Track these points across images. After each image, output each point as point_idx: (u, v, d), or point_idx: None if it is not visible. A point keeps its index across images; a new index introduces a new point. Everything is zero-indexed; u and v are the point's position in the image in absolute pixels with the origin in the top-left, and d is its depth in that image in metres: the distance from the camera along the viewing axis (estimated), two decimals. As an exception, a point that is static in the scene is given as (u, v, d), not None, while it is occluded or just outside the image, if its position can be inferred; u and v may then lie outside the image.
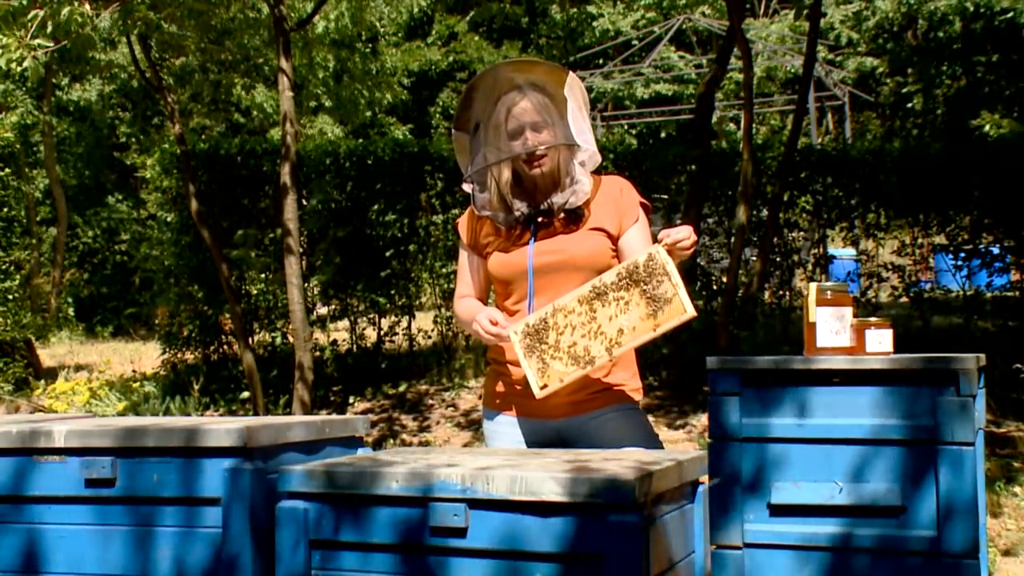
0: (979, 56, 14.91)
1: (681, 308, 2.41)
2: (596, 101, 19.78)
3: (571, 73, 2.69)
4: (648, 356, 7.98)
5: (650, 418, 2.74)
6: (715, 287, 8.71)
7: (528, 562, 1.81)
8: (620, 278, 2.47)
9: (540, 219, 2.63)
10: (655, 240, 2.53)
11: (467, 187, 2.70)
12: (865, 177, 8.91)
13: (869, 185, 8.91)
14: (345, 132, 18.16)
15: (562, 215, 2.62)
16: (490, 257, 2.70)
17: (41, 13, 5.25)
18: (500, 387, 2.72)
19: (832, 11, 19.10)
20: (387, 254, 8.93)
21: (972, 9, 14.34)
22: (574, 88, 2.65)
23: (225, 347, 8.98)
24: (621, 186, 2.71)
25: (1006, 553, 4.63)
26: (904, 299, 8.97)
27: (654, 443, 2.62)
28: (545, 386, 2.47)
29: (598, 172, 2.72)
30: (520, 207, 2.64)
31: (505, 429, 2.69)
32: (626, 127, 20.55)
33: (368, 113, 18.06)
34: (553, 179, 2.63)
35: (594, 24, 21.36)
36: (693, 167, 8.25)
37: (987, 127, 13.24)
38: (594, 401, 2.62)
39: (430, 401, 8.10)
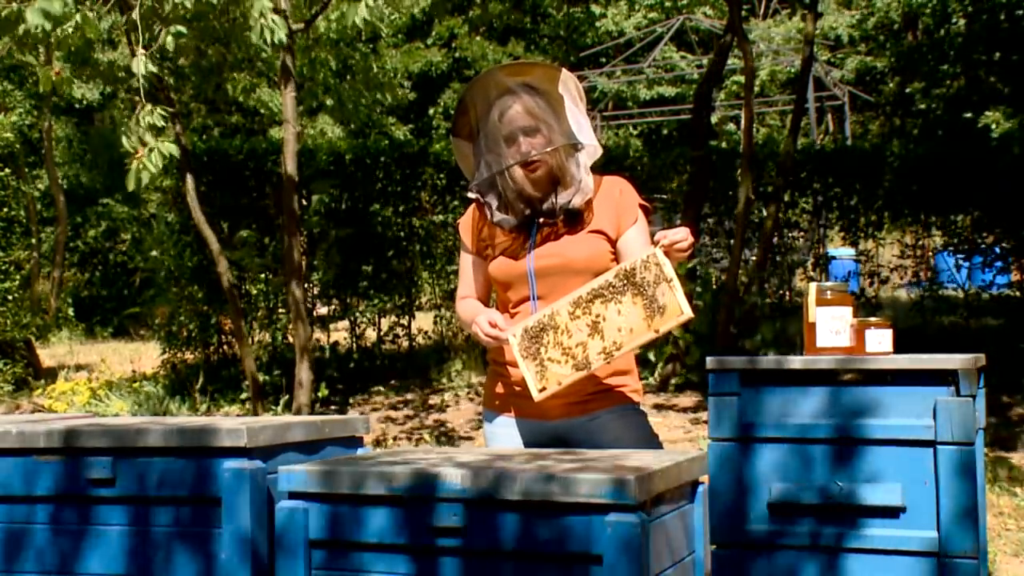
0: (979, 56, 14.90)
1: (678, 309, 2.40)
2: (598, 101, 19.78)
3: (564, 70, 2.69)
4: (648, 356, 7.98)
5: (650, 418, 2.74)
6: (715, 287, 8.71)
7: (528, 562, 1.81)
8: (617, 280, 2.47)
9: (541, 220, 2.63)
10: (653, 241, 2.53)
11: (472, 195, 2.69)
12: (865, 177, 8.91)
13: (869, 185, 8.91)
14: (345, 132, 18.15)
15: (563, 216, 2.62)
16: (491, 260, 2.69)
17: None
18: (499, 388, 2.71)
19: (835, 15, 19.14)
20: (387, 254, 8.93)
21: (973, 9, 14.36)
22: (568, 84, 2.64)
23: (225, 347, 8.98)
24: (621, 187, 2.69)
25: (1006, 553, 4.63)
26: (904, 298, 8.98)
27: (654, 444, 2.62)
28: (543, 388, 2.47)
29: (599, 173, 2.72)
30: (523, 210, 2.63)
31: (504, 431, 2.69)
32: (629, 127, 20.56)
33: (377, 108, 18.03)
34: (554, 180, 2.62)
35: (597, 24, 21.37)
36: (691, 167, 8.26)
37: (992, 125, 13.25)
38: (594, 402, 2.61)
39: (432, 400, 8.10)
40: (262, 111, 17.28)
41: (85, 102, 19.17)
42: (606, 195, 2.66)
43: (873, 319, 2.65)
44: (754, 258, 8.40)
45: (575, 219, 2.62)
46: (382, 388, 8.57)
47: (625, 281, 2.46)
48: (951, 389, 2.38)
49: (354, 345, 9.11)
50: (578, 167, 2.62)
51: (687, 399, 7.54)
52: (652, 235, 2.59)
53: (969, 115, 13.80)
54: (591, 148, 2.64)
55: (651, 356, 7.89)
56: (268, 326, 8.84)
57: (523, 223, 2.63)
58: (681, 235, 2.48)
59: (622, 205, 2.65)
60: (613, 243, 2.64)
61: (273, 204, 8.61)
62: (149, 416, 7.48)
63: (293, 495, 1.96)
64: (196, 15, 6.49)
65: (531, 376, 2.48)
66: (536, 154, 2.57)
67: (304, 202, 8.70)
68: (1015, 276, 8.82)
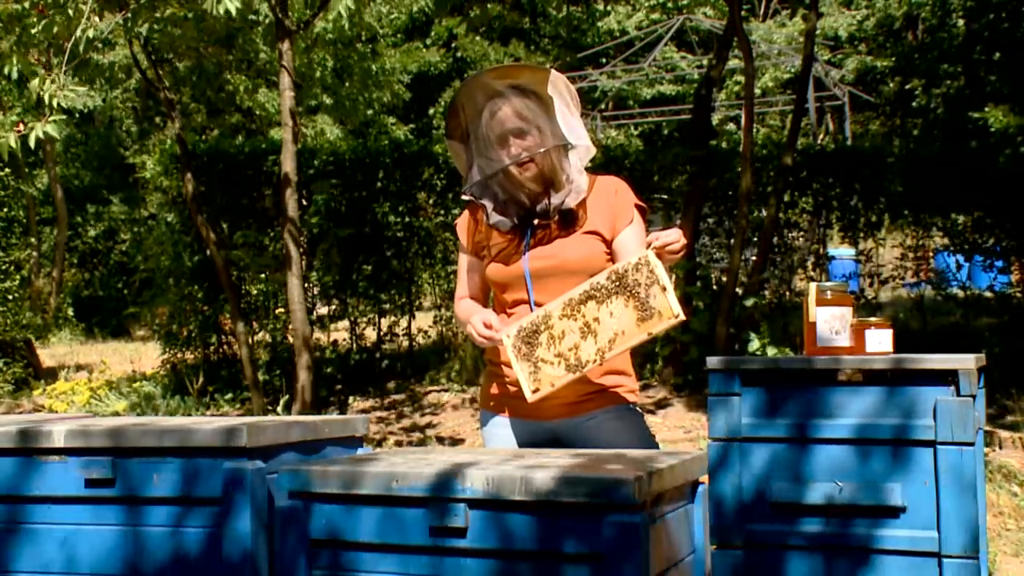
0: (979, 56, 14.90)
1: (670, 312, 2.40)
2: (598, 100, 19.77)
3: (553, 71, 2.68)
4: (648, 356, 7.98)
5: (650, 418, 2.74)
6: (715, 287, 8.71)
7: (528, 562, 1.81)
8: (610, 282, 2.47)
9: (536, 221, 2.62)
10: (646, 243, 2.53)
11: (466, 198, 2.69)
12: (865, 177, 8.91)
13: (869, 185, 8.91)
14: (344, 132, 18.14)
15: (557, 217, 2.62)
16: (487, 261, 2.69)
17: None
18: (495, 389, 2.71)
19: (835, 15, 19.16)
20: (387, 254, 8.94)
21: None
22: (558, 85, 2.63)
23: (225, 347, 8.98)
24: (616, 187, 2.69)
25: (1006, 553, 4.63)
26: (904, 298, 8.98)
27: (650, 444, 2.61)
28: (537, 390, 2.47)
29: (596, 173, 2.71)
30: (518, 211, 2.63)
31: (500, 431, 2.68)
32: (630, 127, 20.57)
33: (369, 111, 18.04)
34: (547, 181, 2.62)
35: (599, 24, 21.39)
36: (691, 167, 8.26)
37: (991, 120, 13.25)
38: (590, 402, 2.61)
39: (432, 400, 8.11)
40: (259, 113, 17.29)
41: (87, 110, 19.17)
42: (601, 195, 2.66)
43: (873, 319, 2.65)
44: (754, 258, 8.40)
45: (570, 220, 2.61)
46: (382, 388, 8.57)
47: (617, 283, 2.46)
48: (951, 389, 2.38)
49: (354, 345, 9.11)
50: (571, 168, 2.61)
51: (687, 399, 7.53)
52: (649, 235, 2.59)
53: (971, 114, 13.81)
54: (583, 148, 2.63)
55: (650, 356, 7.89)
56: (268, 326, 8.85)
57: (518, 225, 2.63)
58: (673, 237, 2.48)
59: (617, 205, 2.65)
60: (608, 243, 2.64)
61: (273, 203, 8.60)
62: (149, 416, 7.49)
63: (293, 495, 1.96)
64: (195, 14, 6.51)
65: (524, 377, 2.49)
66: (527, 155, 2.57)
67: (304, 202, 8.70)
68: (1015, 276, 8.81)
